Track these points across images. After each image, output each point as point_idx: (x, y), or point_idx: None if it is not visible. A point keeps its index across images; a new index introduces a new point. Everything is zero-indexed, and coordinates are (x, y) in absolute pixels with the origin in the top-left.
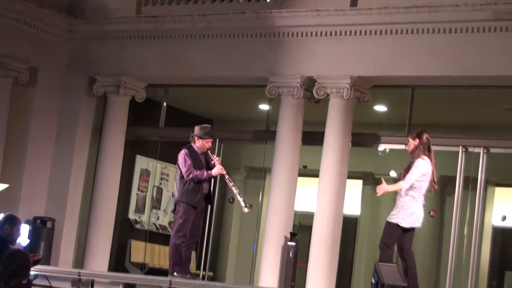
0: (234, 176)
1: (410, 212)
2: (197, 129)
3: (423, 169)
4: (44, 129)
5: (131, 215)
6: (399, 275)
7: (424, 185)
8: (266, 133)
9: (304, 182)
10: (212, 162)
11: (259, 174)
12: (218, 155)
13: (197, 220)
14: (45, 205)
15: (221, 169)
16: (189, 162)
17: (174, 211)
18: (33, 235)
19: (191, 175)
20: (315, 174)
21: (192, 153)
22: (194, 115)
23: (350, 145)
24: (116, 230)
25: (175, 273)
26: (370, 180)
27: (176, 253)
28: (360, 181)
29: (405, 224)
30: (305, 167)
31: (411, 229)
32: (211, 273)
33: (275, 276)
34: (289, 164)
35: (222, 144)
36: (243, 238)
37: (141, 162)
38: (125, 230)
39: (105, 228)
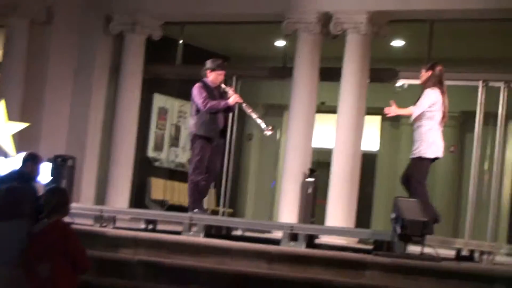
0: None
1: (431, 141)
2: (208, 62)
3: (432, 98)
4: (62, 68)
5: (150, 153)
6: (419, 209)
7: (438, 115)
8: (283, 70)
9: (322, 119)
10: (227, 93)
11: (277, 111)
12: (236, 90)
13: (214, 155)
14: (65, 143)
15: (238, 97)
16: (204, 93)
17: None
18: (54, 173)
19: (208, 105)
20: (333, 110)
21: (206, 87)
22: (210, 52)
23: (368, 81)
24: (135, 167)
25: (195, 210)
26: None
27: (195, 190)
28: (379, 117)
29: (429, 154)
30: (323, 103)
31: (435, 160)
32: (231, 210)
33: (295, 212)
34: (306, 101)
35: (239, 81)
36: (262, 175)
37: (159, 100)
38: (145, 167)
39: (125, 165)
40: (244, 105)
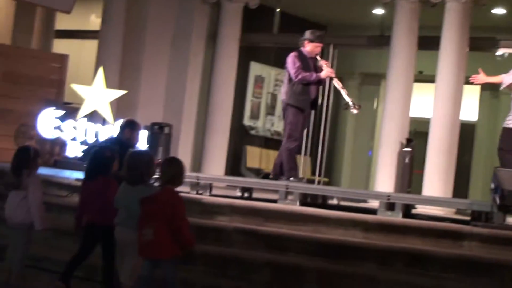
0: (349, 82)
1: None
2: (307, 33)
3: None
4: (160, 35)
5: (246, 121)
6: None
7: None
8: (381, 38)
9: (419, 88)
10: (321, 66)
11: (373, 80)
12: (332, 62)
13: (303, 124)
14: (162, 110)
15: (331, 71)
16: (298, 64)
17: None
18: (151, 140)
19: (299, 76)
20: (431, 79)
21: (302, 57)
22: (307, 21)
23: (467, 50)
24: (231, 136)
25: (291, 178)
26: (488, 86)
27: (290, 158)
28: (478, 87)
29: None
30: (421, 72)
31: None
32: (326, 179)
33: (391, 182)
34: (404, 70)
35: (336, 50)
36: (358, 144)
37: (256, 69)
38: (241, 136)
39: (221, 133)
40: (335, 80)
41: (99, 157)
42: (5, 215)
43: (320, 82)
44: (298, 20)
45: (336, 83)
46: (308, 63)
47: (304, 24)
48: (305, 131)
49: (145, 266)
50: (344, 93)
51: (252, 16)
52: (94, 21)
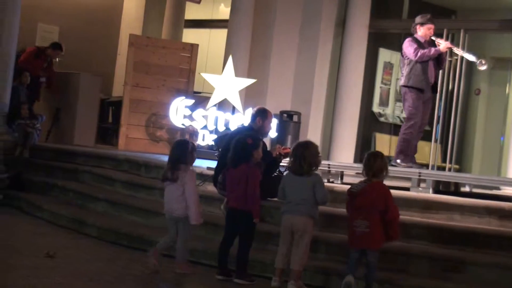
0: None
1: None
2: (418, 18)
3: None
4: (288, 22)
5: (375, 108)
6: None
7: None
8: None
9: None
10: (438, 43)
11: (505, 65)
12: (463, 47)
13: (425, 108)
14: (291, 98)
15: (449, 43)
16: (415, 45)
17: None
18: (280, 128)
19: (419, 53)
20: None
21: (417, 41)
22: (437, 6)
23: None
24: (360, 122)
25: (398, 161)
26: None
27: (404, 141)
28: None
29: None
30: None
31: None
32: (457, 166)
33: None
34: None
35: (466, 35)
36: (489, 130)
37: (384, 55)
38: (370, 123)
39: (350, 120)
40: (455, 48)
41: (240, 145)
42: (165, 209)
43: (440, 63)
44: (427, 5)
45: (457, 50)
46: (424, 47)
47: (434, 9)
48: (428, 116)
49: (354, 256)
50: (467, 55)
51: (381, 2)
52: (222, 10)
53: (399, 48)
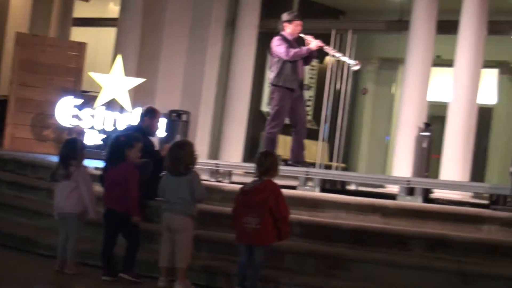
0: (367, 67)
1: None
2: (284, 15)
3: None
4: (178, 22)
5: (264, 108)
6: None
7: None
8: (399, 23)
9: (437, 72)
10: (307, 41)
11: (391, 65)
12: (350, 47)
13: (298, 106)
14: (180, 98)
15: (319, 41)
16: (283, 44)
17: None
18: (169, 128)
19: (291, 53)
20: (448, 64)
21: (285, 40)
22: (326, 7)
23: (486, 33)
24: (249, 122)
25: None
26: (506, 69)
27: (269, 142)
28: (496, 70)
29: None
30: (438, 56)
31: None
32: (344, 165)
33: (409, 166)
34: (423, 54)
35: (354, 35)
36: (375, 129)
37: None
38: (258, 122)
39: (239, 120)
40: (326, 47)
41: (115, 144)
42: (55, 205)
43: (307, 61)
44: (317, 5)
45: (328, 49)
46: (292, 45)
47: (323, 9)
48: (305, 111)
49: (244, 252)
50: (339, 55)
51: (271, 2)
52: (112, 9)
53: None
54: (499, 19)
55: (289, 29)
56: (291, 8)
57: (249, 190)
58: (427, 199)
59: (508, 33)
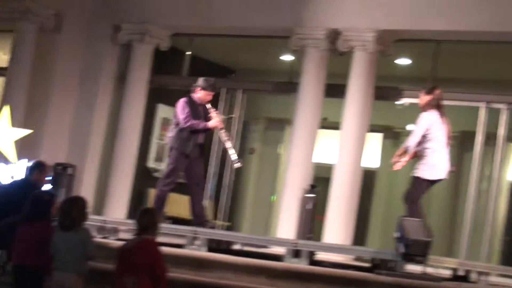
0: (254, 127)
1: (433, 163)
2: (200, 80)
3: (426, 121)
4: (68, 75)
5: (151, 164)
6: (424, 229)
7: (440, 135)
8: (289, 85)
9: (324, 135)
10: (210, 114)
11: (279, 125)
12: (239, 106)
13: (196, 167)
14: (67, 151)
15: (219, 122)
16: (187, 109)
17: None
18: (54, 181)
19: (188, 123)
20: (334, 126)
21: (191, 103)
22: (217, 65)
23: (373, 99)
24: (136, 178)
25: None
26: (390, 134)
27: (159, 199)
28: (381, 135)
29: (429, 176)
30: (325, 119)
31: (436, 182)
32: (229, 223)
33: (293, 227)
34: (310, 116)
35: (244, 95)
36: (261, 189)
37: (163, 111)
38: (145, 178)
39: (125, 175)
40: (222, 131)
41: (38, 201)
42: None
43: (207, 130)
44: (208, 64)
45: (223, 134)
46: (197, 110)
47: (214, 68)
48: (203, 172)
49: None
50: (229, 146)
51: (163, 58)
52: (1, 58)
53: None
54: (385, 85)
55: (200, 94)
56: (182, 65)
57: (128, 249)
58: (312, 261)
59: (393, 99)
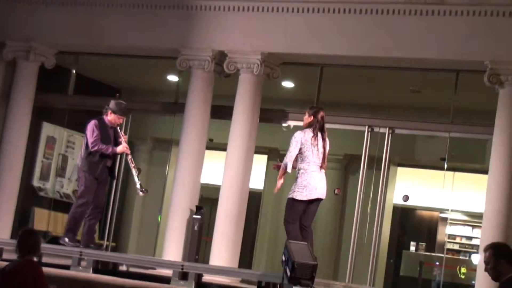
0: (140, 147)
1: (304, 184)
2: (112, 103)
3: (297, 139)
4: None
5: (36, 182)
6: (310, 253)
7: (310, 156)
8: (175, 105)
9: (210, 156)
10: (120, 139)
11: (165, 146)
12: (125, 126)
13: (101, 190)
14: None
15: (126, 148)
16: (96, 133)
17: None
18: None
19: (96, 147)
20: (221, 147)
21: (102, 126)
22: (103, 84)
23: (258, 121)
24: (20, 197)
25: (66, 239)
26: (276, 155)
27: (73, 219)
28: (265, 156)
29: (300, 197)
30: (211, 140)
31: (313, 203)
32: (114, 244)
33: (179, 249)
34: (197, 137)
35: (130, 115)
36: (147, 209)
37: (48, 129)
38: (29, 197)
39: (9, 194)
40: (129, 157)
41: None
42: None
43: (115, 154)
44: (94, 82)
45: (130, 161)
46: (107, 132)
47: (100, 87)
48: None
49: None
50: (135, 173)
51: (48, 76)
52: None
53: (63, 123)
54: (271, 108)
55: (111, 117)
56: (68, 84)
57: (9, 270)
58: (200, 283)
59: (279, 121)
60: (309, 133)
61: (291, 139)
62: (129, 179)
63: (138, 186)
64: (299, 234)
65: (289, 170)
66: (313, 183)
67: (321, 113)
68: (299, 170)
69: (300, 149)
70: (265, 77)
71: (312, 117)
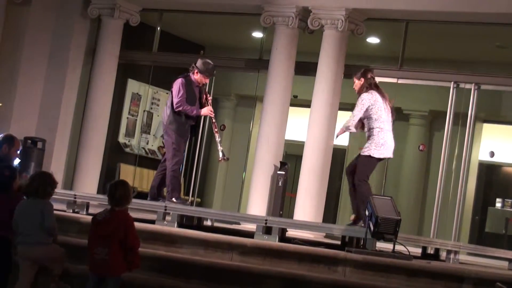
0: (225, 103)
1: (381, 143)
2: (200, 62)
3: (366, 102)
4: (38, 48)
5: (121, 139)
6: (393, 208)
7: (384, 114)
8: (259, 62)
9: (294, 112)
10: (204, 100)
11: (249, 102)
12: (210, 80)
13: (184, 146)
14: (36, 125)
15: (211, 111)
16: (182, 92)
17: (163, 136)
18: (23, 155)
19: (180, 108)
20: (305, 104)
21: (188, 84)
22: (187, 41)
23: (342, 77)
24: (106, 153)
25: (173, 199)
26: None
27: (174, 179)
28: (350, 113)
29: (378, 154)
30: (295, 96)
31: (380, 161)
32: (199, 199)
33: (263, 205)
34: (281, 94)
35: (214, 72)
36: (231, 166)
37: (133, 86)
38: (115, 153)
39: (95, 150)
40: (213, 121)
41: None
42: None
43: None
44: (178, 39)
45: (213, 125)
46: (193, 91)
47: (184, 44)
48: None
49: (92, 282)
50: (218, 139)
51: (133, 33)
52: None
53: (148, 80)
54: (355, 63)
55: (197, 76)
56: (152, 41)
57: (100, 220)
58: (283, 238)
59: None
60: (375, 93)
61: (358, 102)
62: (213, 134)
63: (220, 153)
64: (370, 190)
65: (354, 130)
66: (389, 142)
67: (369, 73)
68: (372, 129)
69: (371, 109)
70: (350, 33)
71: (362, 79)
